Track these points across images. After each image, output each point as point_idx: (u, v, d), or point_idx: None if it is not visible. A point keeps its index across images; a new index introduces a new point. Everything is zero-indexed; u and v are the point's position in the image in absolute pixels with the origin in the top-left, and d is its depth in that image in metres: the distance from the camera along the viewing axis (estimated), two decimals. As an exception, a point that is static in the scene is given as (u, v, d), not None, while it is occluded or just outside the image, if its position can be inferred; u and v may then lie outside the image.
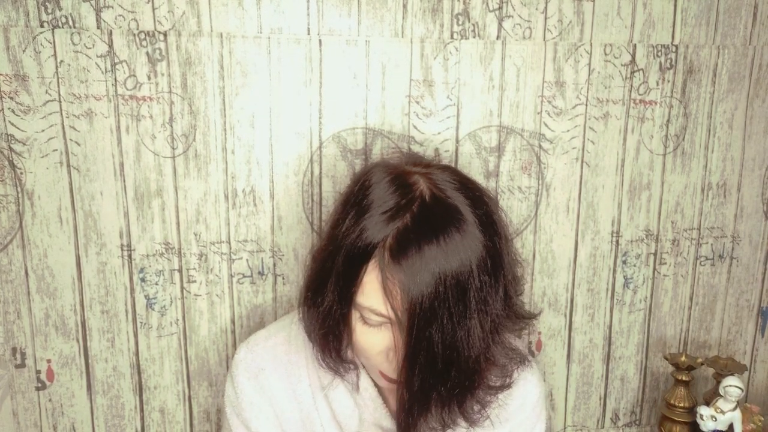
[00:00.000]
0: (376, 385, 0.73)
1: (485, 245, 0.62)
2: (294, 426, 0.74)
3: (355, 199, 0.65)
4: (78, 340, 0.94)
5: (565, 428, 1.11)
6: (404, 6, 0.92)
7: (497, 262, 0.64)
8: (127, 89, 0.88)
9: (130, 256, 0.92)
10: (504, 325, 0.67)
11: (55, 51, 0.85)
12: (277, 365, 0.75)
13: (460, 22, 0.93)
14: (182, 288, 0.95)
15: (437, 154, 0.96)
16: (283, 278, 0.97)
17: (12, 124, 0.86)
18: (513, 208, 1.01)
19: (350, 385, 0.73)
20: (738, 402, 0.97)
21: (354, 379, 0.73)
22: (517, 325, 0.71)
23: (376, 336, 0.65)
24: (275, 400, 0.74)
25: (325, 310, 0.66)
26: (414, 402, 0.63)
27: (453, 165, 0.97)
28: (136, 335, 0.95)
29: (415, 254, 0.59)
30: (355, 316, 0.65)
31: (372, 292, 0.62)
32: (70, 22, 0.85)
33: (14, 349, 0.93)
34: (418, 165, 0.68)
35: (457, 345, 0.60)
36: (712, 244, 1.09)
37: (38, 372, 0.94)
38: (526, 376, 0.77)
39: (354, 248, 0.62)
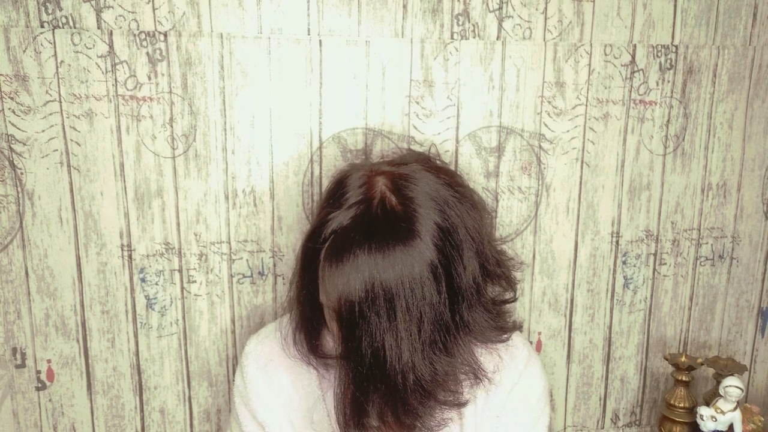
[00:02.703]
0: None
1: (434, 264, 0.61)
2: (301, 415, 0.75)
3: (322, 199, 0.69)
4: (78, 341, 0.94)
5: (565, 428, 1.11)
6: (404, 6, 0.92)
7: (450, 281, 0.63)
8: (128, 89, 0.88)
9: (130, 256, 0.92)
10: (461, 339, 0.66)
11: (55, 51, 0.85)
12: (285, 356, 0.76)
13: (460, 23, 0.93)
14: (182, 288, 0.95)
15: (435, 150, 0.96)
16: (283, 278, 0.97)
17: (12, 125, 0.86)
18: (513, 209, 1.01)
19: None
20: (738, 402, 0.97)
21: None
22: (494, 337, 0.71)
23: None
24: (283, 390, 0.75)
25: (301, 307, 0.70)
26: (347, 402, 0.64)
27: (452, 165, 0.97)
28: (136, 335, 0.95)
29: (348, 259, 0.60)
30: (327, 311, 0.68)
31: (323, 287, 0.65)
32: (71, 23, 0.85)
33: (14, 349, 0.93)
34: (398, 165, 0.68)
35: (383, 354, 0.61)
36: (712, 245, 1.09)
37: (38, 372, 0.94)
38: (531, 369, 0.78)
39: (308, 247, 0.65)
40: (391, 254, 0.60)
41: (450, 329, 0.64)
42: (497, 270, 0.71)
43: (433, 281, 0.61)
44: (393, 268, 0.59)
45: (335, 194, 0.66)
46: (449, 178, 0.69)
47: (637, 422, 1.14)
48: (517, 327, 0.75)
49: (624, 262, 1.06)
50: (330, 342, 0.74)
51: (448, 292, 0.63)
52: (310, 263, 0.65)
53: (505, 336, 0.72)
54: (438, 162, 0.76)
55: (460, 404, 0.69)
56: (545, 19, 0.96)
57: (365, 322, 0.60)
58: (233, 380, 0.79)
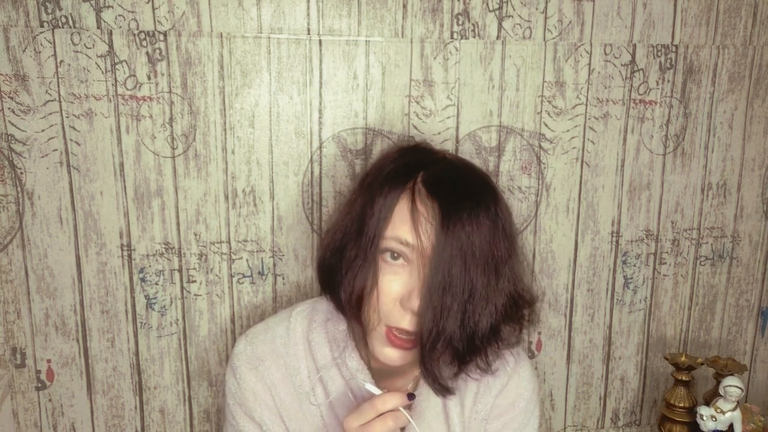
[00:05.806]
0: (369, 369, 0.73)
1: (503, 205, 0.70)
2: (294, 416, 0.75)
3: (387, 158, 0.73)
4: (78, 340, 0.94)
5: (565, 428, 1.11)
6: (404, 6, 0.92)
7: (511, 224, 0.71)
8: (127, 89, 0.88)
9: (130, 256, 0.92)
10: (516, 279, 0.71)
11: (55, 51, 0.85)
12: (277, 357, 0.76)
13: (460, 22, 0.93)
14: (182, 288, 0.95)
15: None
16: (283, 278, 0.97)
17: (12, 124, 0.86)
18: (513, 208, 1.00)
19: (345, 371, 0.73)
20: (738, 402, 0.97)
21: (351, 361, 0.73)
22: (520, 311, 0.71)
23: (398, 279, 0.67)
24: (275, 390, 0.75)
25: (352, 255, 0.69)
26: (435, 329, 0.64)
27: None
28: (136, 335, 0.95)
29: (448, 187, 0.66)
30: (380, 259, 0.68)
31: (400, 222, 0.66)
32: (70, 22, 0.85)
33: (14, 349, 0.93)
34: None
35: (478, 278, 0.65)
36: (712, 244, 1.09)
37: (38, 372, 0.94)
38: (520, 372, 0.78)
39: (387, 187, 0.68)
40: (478, 187, 0.68)
41: (517, 271, 0.70)
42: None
43: (508, 222, 0.69)
44: (484, 199, 0.67)
45: (398, 157, 0.72)
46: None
47: (637, 422, 1.14)
48: (537, 299, 0.78)
49: (624, 262, 1.06)
50: (363, 297, 0.72)
51: (514, 238, 0.70)
52: (389, 205, 0.67)
53: (529, 307, 0.77)
54: None
55: (519, 343, 0.75)
56: (545, 18, 0.95)
57: (464, 247, 0.64)
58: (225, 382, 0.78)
